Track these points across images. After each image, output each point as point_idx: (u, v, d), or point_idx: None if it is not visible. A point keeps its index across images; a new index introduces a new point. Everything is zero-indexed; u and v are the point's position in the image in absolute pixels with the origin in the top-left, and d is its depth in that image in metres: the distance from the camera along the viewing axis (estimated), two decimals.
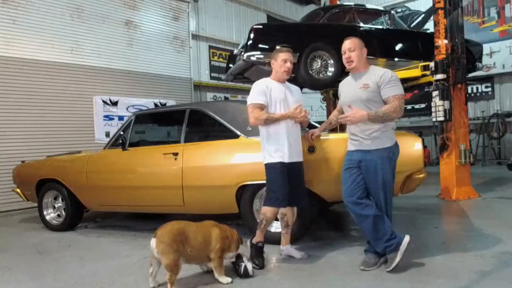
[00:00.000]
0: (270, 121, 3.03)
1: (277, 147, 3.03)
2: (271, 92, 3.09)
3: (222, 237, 2.74)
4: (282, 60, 3.12)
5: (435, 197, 5.74)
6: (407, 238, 2.76)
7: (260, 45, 5.51)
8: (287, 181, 3.04)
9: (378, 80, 2.76)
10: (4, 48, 6.57)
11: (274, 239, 3.36)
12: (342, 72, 5.77)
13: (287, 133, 3.05)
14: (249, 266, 2.83)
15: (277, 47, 3.42)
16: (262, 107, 3.05)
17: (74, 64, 7.47)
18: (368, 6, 7.23)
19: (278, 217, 3.30)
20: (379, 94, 2.78)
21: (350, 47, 2.88)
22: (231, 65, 6.83)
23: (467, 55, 5.95)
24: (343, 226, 4.47)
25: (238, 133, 3.75)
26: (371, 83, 2.78)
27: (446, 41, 5.53)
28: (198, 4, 10.20)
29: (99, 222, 5.29)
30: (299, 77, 5.83)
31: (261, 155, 3.14)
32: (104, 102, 7.94)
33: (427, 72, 5.63)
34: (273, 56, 3.18)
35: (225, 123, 3.85)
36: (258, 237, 3.14)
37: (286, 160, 3.03)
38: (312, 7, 12.55)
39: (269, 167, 3.07)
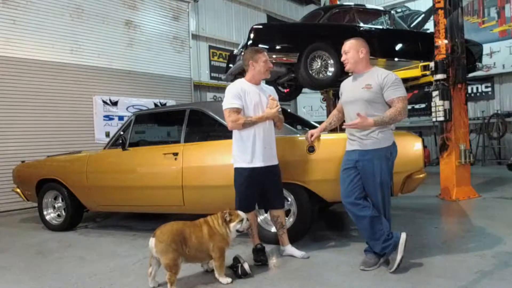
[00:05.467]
0: (248, 124, 2.99)
1: (247, 152, 2.99)
2: (246, 95, 3.03)
3: (211, 235, 2.71)
4: (263, 61, 3.08)
5: (435, 197, 5.74)
6: (403, 235, 2.76)
7: (260, 45, 5.50)
8: (255, 187, 3.01)
9: (381, 81, 2.76)
10: (4, 48, 6.56)
11: (277, 239, 3.35)
12: (342, 72, 5.77)
13: (262, 137, 3.01)
14: (246, 265, 2.83)
15: (249, 49, 3.27)
16: (238, 111, 2.99)
17: (74, 64, 7.47)
18: (368, 6, 7.24)
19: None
20: (381, 95, 2.77)
21: (345, 49, 2.91)
22: (231, 65, 6.83)
23: (467, 55, 5.95)
24: (343, 226, 4.47)
25: None
26: (374, 84, 2.78)
27: (446, 41, 5.53)
28: (198, 4, 10.20)
29: (99, 222, 5.29)
30: (299, 77, 5.83)
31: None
32: (104, 102, 7.94)
33: (427, 72, 5.63)
34: (251, 58, 3.08)
35: (225, 123, 3.84)
36: (254, 242, 3.15)
37: (259, 165, 2.99)
38: (312, 7, 12.55)
39: (238, 171, 3.05)
